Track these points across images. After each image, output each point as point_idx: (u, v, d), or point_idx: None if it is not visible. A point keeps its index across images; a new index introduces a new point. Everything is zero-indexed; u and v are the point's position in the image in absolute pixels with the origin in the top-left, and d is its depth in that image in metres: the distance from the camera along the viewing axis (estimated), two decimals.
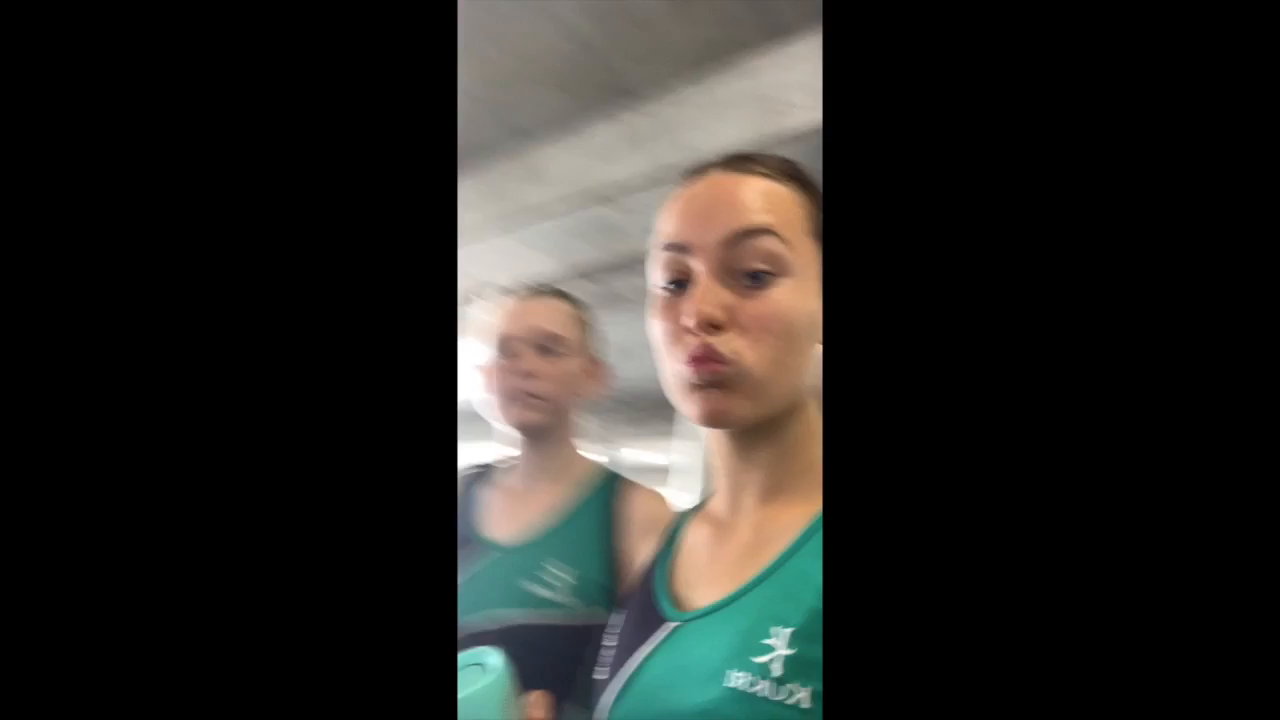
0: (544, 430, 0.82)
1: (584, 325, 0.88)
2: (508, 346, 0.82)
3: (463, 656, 0.47)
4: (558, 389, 0.82)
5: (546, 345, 0.82)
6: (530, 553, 0.77)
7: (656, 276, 0.47)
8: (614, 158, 2.05)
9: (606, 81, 2.02)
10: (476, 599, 0.75)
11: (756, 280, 0.44)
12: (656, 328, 0.47)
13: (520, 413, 0.81)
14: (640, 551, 0.64)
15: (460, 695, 0.42)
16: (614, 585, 0.74)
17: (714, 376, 0.43)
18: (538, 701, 0.46)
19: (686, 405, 0.45)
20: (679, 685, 0.42)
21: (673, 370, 0.45)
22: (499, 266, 2.49)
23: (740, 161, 0.48)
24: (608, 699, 0.47)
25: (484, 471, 0.90)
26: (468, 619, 0.74)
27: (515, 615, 0.73)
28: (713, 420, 0.44)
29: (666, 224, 0.47)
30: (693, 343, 0.43)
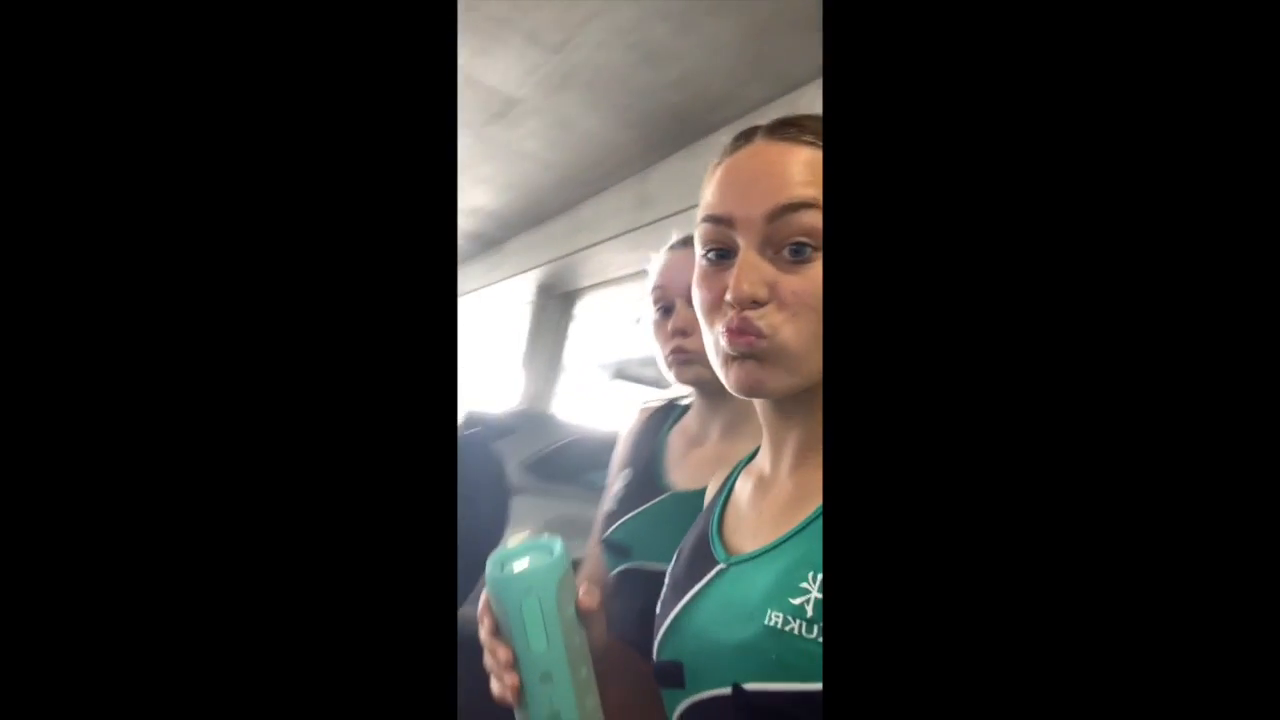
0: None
1: None
2: (665, 301, 0.80)
3: (532, 540, 0.51)
4: None
5: None
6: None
7: (699, 244, 0.48)
8: None
9: None
10: (639, 533, 0.76)
11: (798, 253, 0.44)
12: (697, 296, 0.48)
13: (679, 370, 0.78)
14: None
15: (525, 568, 0.48)
16: None
17: (750, 349, 0.44)
18: (590, 590, 0.50)
19: (724, 373, 0.46)
20: (722, 622, 0.45)
21: (712, 338, 0.47)
22: None
23: (786, 128, 0.47)
24: (658, 634, 0.51)
25: (669, 407, 0.89)
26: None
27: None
28: (748, 390, 0.45)
29: (710, 195, 0.48)
30: (731, 315, 0.44)
